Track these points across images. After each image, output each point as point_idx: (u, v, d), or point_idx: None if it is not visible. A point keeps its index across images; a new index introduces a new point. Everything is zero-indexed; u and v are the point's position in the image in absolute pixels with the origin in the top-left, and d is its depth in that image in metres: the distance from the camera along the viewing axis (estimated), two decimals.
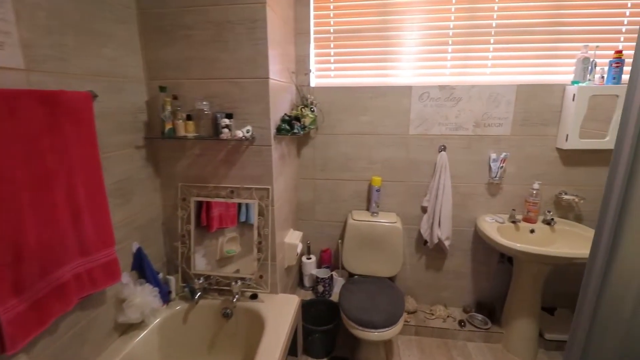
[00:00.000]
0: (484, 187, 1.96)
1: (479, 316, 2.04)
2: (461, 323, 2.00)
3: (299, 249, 1.78)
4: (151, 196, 1.53)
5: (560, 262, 1.68)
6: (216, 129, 1.41)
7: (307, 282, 2.15)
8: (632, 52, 1.74)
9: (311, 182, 2.10)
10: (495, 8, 1.76)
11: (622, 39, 1.71)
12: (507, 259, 1.99)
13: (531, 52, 1.79)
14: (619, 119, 1.75)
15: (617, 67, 1.64)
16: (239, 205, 1.54)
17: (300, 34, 1.91)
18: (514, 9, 1.75)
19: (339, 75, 1.98)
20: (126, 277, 1.35)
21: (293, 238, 1.80)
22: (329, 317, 1.86)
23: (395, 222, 1.92)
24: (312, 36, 1.93)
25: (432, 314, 2.09)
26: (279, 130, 1.53)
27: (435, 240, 1.95)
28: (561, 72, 1.79)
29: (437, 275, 2.15)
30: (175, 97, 1.42)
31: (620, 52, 1.63)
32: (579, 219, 1.92)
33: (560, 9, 1.72)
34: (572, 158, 1.84)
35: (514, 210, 1.89)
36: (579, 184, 1.87)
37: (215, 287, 1.58)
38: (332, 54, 1.95)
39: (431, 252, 2.09)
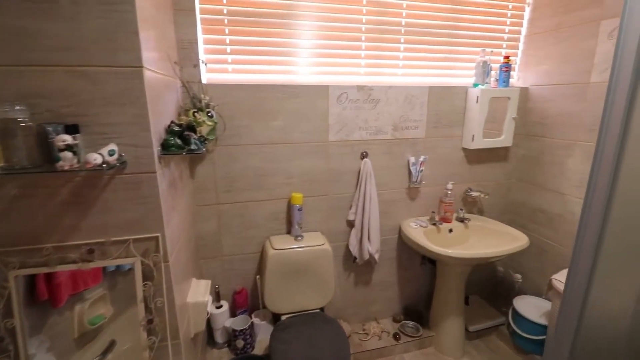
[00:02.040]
0: (405, 192, 1.89)
1: (410, 323, 1.98)
2: (396, 336, 1.89)
3: (209, 306, 1.30)
4: None
5: (482, 263, 1.75)
6: (47, 152, 0.82)
7: (219, 338, 1.66)
8: (516, 58, 1.90)
9: (213, 209, 1.61)
10: (404, 6, 1.67)
11: (504, 46, 1.87)
12: (428, 260, 1.98)
13: (437, 54, 1.79)
14: (511, 119, 1.83)
15: (506, 71, 1.77)
16: None
17: (182, 10, 1.39)
18: (420, 9, 1.70)
19: (239, 70, 1.56)
20: None
21: (199, 293, 1.30)
22: None
23: (323, 244, 1.64)
24: (198, 16, 1.44)
25: (367, 334, 1.92)
26: (166, 146, 1.03)
27: (366, 257, 1.77)
28: (463, 75, 1.84)
29: (366, 290, 1.99)
30: None
31: (507, 57, 1.77)
32: (480, 212, 2.07)
33: (457, 12, 1.76)
34: (474, 157, 1.94)
35: (433, 212, 1.88)
36: (480, 180, 2.00)
37: None
38: (227, 41, 1.50)
39: (359, 267, 1.91)
